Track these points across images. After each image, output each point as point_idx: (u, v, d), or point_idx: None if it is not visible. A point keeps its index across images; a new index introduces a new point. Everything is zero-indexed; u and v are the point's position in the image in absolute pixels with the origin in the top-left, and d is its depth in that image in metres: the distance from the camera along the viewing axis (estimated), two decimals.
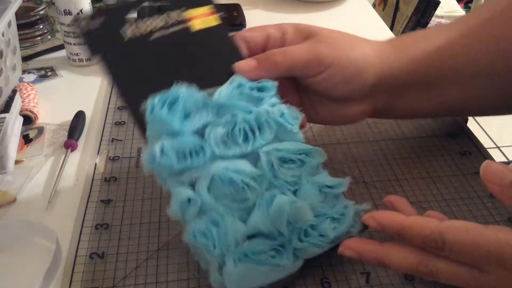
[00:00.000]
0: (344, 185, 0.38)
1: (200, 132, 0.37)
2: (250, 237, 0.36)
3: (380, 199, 0.45)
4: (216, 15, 0.43)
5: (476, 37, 0.43)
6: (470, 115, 0.54)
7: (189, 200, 0.36)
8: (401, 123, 0.55)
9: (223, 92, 0.38)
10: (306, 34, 0.42)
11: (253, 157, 0.38)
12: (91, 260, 0.39)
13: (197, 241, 0.34)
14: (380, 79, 0.43)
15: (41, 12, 0.73)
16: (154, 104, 0.36)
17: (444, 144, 0.52)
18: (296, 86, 0.45)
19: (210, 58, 0.42)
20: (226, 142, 0.37)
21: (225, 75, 0.40)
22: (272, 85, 0.40)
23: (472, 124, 1.85)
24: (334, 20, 0.83)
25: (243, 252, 0.34)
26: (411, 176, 0.48)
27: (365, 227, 0.37)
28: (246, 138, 0.38)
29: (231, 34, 0.43)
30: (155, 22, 0.41)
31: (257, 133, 0.38)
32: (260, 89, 0.40)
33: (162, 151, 0.35)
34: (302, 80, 0.43)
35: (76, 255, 0.40)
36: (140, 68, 0.40)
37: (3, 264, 0.40)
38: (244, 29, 0.78)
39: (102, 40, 0.40)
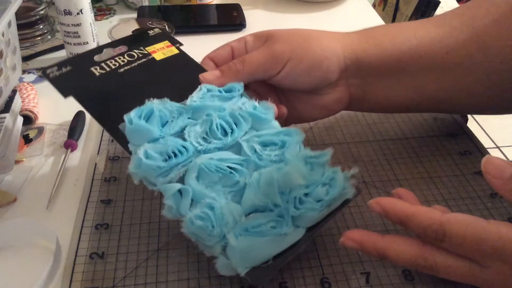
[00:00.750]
0: (328, 154, 0.39)
1: (180, 136, 0.39)
2: (247, 215, 0.36)
3: None
4: (173, 47, 0.47)
5: (455, 30, 0.44)
6: (456, 111, 0.54)
7: (180, 192, 0.36)
8: (401, 123, 0.55)
9: (194, 97, 0.41)
10: (264, 38, 0.44)
11: (236, 148, 0.39)
12: (91, 260, 0.39)
13: (195, 225, 0.35)
14: (346, 64, 0.44)
15: (41, 12, 0.73)
16: (131, 117, 0.38)
17: (444, 144, 0.52)
18: (272, 88, 0.46)
19: (177, 78, 0.45)
20: (206, 138, 0.39)
21: (193, 90, 0.42)
22: (239, 85, 0.42)
23: (472, 124, 1.86)
24: (334, 20, 0.83)
25: (243, 227, 0.35)
26: (411, 176, 0.48)
27: (358, 192, 0.38)
28: (225, 133, 0.39)
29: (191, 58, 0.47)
30: (122, 59, 0.45)
31: (234, 126, 0.39)
32: (228, 90, 0.42)
33: (146, 154, 0.37)
34: (269, 81, 0.44)
35: (76, 255, 0.40)
36: (112, 96, 0.43)
37: (3, 264, 0.40)
38: (244, 29, 0.78)
39: (71, 81, 0.42)
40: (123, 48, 0.46)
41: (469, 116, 1.81)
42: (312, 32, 0.45)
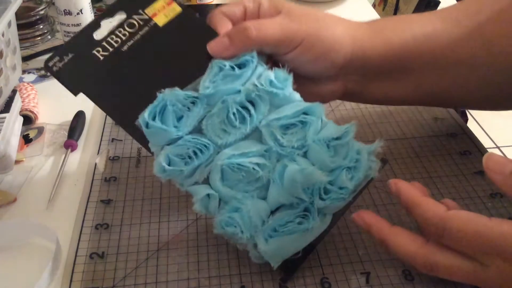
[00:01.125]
0: (351, 131, 0.38)
1: (198, 128, 0.38)
2: (274, 211, 0.37)
3: (380, 199, 0.45)
4: (174, 4, 0.42)
5: (460, 26, 0.43)
6: (450, 105, 0.54)
7: (208, 195, 0.37)
8: (401, 123, 0.55)
9: (206, 82, 0.38)
10: (280, 9, 0.42)
11: (256, 134, 0.38)
12: (91, 260, 0.39)
13: (225, 231, 0.36)
14: (351, 60, 0.43)
15: (41, 12, 0.73)
16: (145, 119, 0.37)
17: (444, 144, 0.52)
18: (269, 60, 0.44)
19: (186, 47, 0.42)
20: (225, 130, 0.38)
21: (205, 58, 0.39)
22: (251, 56, 0.39)
23: (472, 124, 1.85)
24: None
25: (271, 228, 0.36)
26: (411, 176, 0.48)
27: (383, 163, 0.38)
28: (243, 119, 0.38)
29: (197, 15, 0.43)
30: (123, 32, 0.41)
31: (252, 110, 0.38)
32: (241, 66, 0.39)
33: (167, 159, 0.37)
34: (272, 56, 0.42)
35: (76, 255, 0.40)
36: (123, 84, 0.40)
37: (3, 264, 0.40)
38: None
39: (77, 73, 0.40)
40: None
41: (469, 116, 1.81)
42: (327, 18, 0.43)
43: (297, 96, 0.39)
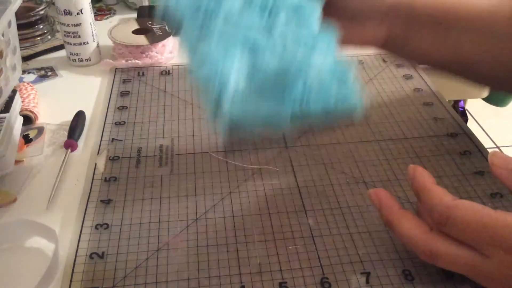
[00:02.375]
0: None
1: None
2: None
3: None
4: None
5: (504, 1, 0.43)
6: (479, 80, 0.53)
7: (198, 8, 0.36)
8: (401, 123, 0.55)
9: None
10: None
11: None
12: (91, 260, 0.39)
13: (202, 71, 0.35)
14: (397, 3, 0.44)
15: (41, 12, 0.73)
16: None
17: (444, 144, 0.52)
18: None
19: None
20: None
21: None
22: None
23: (472, 124, 1.86)
24: None
25: (243, 95, 0.35)
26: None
27: (367, 115, 0.40)
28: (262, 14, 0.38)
29: None
30: None
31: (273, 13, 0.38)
32: None
33: None
34: None
35: (76, 255, 0.40)
36: None
37: (3, 264, 0.40)
38: None
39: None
40: None
41: (469, 116, 1.81)
42: None
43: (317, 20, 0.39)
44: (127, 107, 0.58)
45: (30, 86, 0.60)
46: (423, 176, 0.36)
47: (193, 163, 0.49)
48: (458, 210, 0.32)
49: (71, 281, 0.38)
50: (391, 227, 0.36)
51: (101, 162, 0.50)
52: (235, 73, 0.35)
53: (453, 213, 0.32)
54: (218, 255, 0.40)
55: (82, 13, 0.64)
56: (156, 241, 0.41)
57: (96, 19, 0.70)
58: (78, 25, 0.64)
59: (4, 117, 0.50)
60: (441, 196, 0.34)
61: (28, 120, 0.56)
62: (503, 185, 0.35)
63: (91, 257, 0.40)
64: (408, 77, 0.64)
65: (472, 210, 0.32)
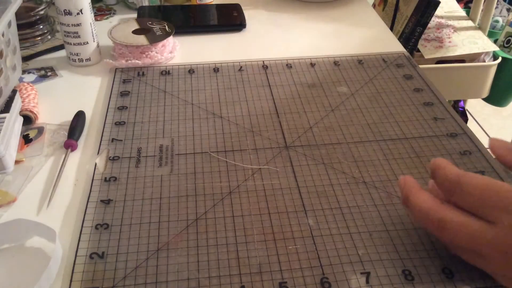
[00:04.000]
0: None
1: None
2: None
3: (380, 199, 0.45)
4: None
5: None
6: None
7: None
8: (401, 123, 0.55)
9: None
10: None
11: None
12: (91, 260, 0.39)
13: None
14: None
15: (41, 12, 0.73)
16: None
17: (444, 144, 0.52)
18: None
19: None
20: None
21: None
22: None
23: (472, 124, 1.86)
24: (334, 20, 0.83)
25: None
26: (411, 176, 0.48)
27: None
28: None
29: None
30: None
31: None
32: None
33: None
34: None
35: (76, 255, 0.40)
36: None
37: (3, 264, 0.40)
38: (244, 29, 0.78)
39: None
40: None
41: (469, 116, 1.81)
42: None
43: None
44: (127, 107, 0.58)
45: (30, 86, 0.60)
46: (440, 159, 0.39)
47: (193, 163, 0.49)
48: (468, 177, 0.36)
49: (71, 281, 0.38)
50: (407, 203, 0.38)
51: (101, 162, 0.50)
52: None
53: (462, 179, 0.36)
54: (218, 255, 0.40)
55: (82, 13, 0.64)
56: (156, 241, 0.41)
57: (96, 19, 0.70)
58: (78, 25, 0.64)
59: (4, 117, 0.50)
60: (453, 169, 0.37)
61: (28, 120, 0.56)
62: (503, 165, 0.39)
63: (91, 257, 0.40)
64: (408, 77, 0.64)
65: (481, 178, 0.36)
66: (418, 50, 1.25)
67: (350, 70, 0.66)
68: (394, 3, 1.32)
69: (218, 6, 0.84)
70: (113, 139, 0.53)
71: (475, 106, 1.94)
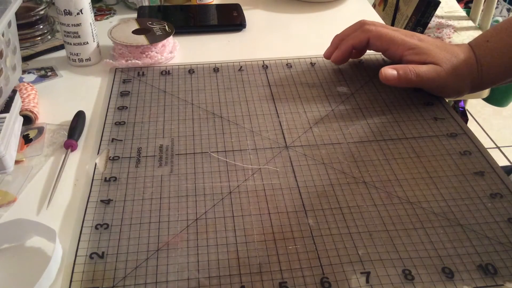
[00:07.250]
0: None
1: None
2: None
3: (380, 199, 0.45)
4: None
5: None
6: None
7: None
8: (401, 123, 0.55)
9: None
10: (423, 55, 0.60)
11: None
12: (91, 260, 0.39)
13: None
14: (472, 86, 0.59)
15: (41, 12, 0.73)
16: None
17: (444, 144, 0.52)
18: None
19: None
20: None
21: None
22: None
23: (472, 124, 1.85)
24: (334, 20, 0.83)
25: None
26: (411, 176, 0.48)
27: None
28: None
29: None
30: None
31: None
32: None
33: None
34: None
35: (76, 255, 0.40)
36: None
37: (3, 264, 0.40)
38: (244, 29, 0.78)
39: None
40: None
41: (469, 116, 1.81)
42: (462, 71, 0.57)
43: None
44: (127, 107, 0.58)
45: (30, 86, 0.60)
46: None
47: (193, 163, 0.49)
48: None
49: (71, 281, 0.38)
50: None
51: (101, 162, 0.50)
52: None
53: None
54: (218, 255, 0.40)
55: (82, 13, 0.64)
56: (156, 241, 0.41)
57: (96, 19, 0.70)
58: (78, 25, 0.64)
59: (4, 117, 0.50)
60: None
61: (28, 120, 0.56)
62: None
63: (91, 257, 0.40)
64: None
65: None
66: None
67: (350, 70, 0.66)
68: (394, 3, 1.32)
69: (218, 6, 0.84)
70: (113, 139, 0.53)
71: (475, 106, 1.94)
